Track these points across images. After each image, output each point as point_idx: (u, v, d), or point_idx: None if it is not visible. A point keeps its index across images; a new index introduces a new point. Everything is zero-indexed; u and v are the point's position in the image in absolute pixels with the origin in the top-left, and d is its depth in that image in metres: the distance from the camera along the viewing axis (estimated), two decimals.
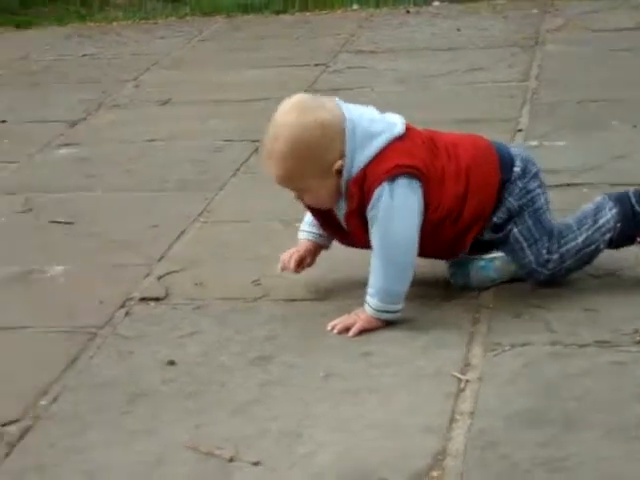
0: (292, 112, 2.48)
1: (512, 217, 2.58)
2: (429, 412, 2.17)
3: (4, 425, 2.22)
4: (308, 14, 6.02)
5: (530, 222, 2.59)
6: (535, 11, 5.65)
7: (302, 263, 2.71)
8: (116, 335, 2.61)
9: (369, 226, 2.50)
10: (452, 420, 2.14)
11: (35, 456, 2.12)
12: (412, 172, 2.47)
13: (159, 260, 3.01)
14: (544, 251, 2.59)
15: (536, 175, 2.62)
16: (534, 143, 3.70)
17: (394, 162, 2.46)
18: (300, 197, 2.58)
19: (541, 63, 4.70)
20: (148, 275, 2.92)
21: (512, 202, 2.57)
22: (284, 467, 2.03)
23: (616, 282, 2.67)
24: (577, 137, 3.73)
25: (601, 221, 2.62)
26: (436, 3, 6.01)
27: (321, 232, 2.70)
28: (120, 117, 4.40)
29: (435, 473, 1.98)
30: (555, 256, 2.59)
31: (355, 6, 6.08)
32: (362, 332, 2.48)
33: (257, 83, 4.72)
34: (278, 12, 6.07)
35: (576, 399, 2.17)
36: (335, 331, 2.49)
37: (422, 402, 2.21)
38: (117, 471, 2.06)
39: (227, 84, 4.75)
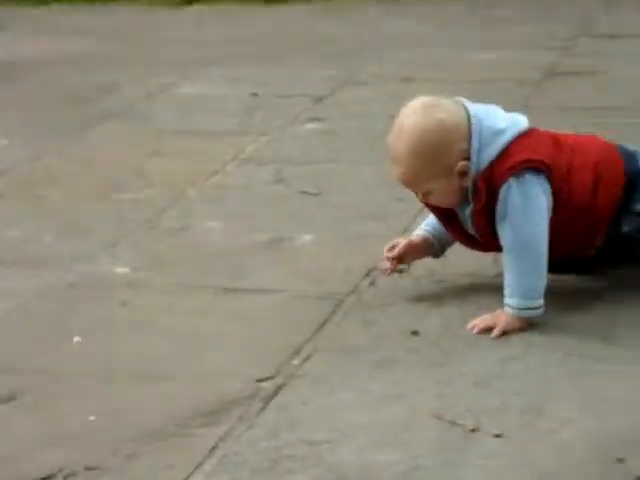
0: (414, 114, 2.51)
1: None
2: None
3: (260, 381, 2.39)
4: None
5: None
6: None
7: (401, 261, 2.72)
8: (361, 303, 2.74)
9: (497, 223, 2.51)
10: None
11: (288, 412, 2.27)
12: (538, 166, 2.49)
13: (404, 232, 3.12)
14: None
15: None
16: None
17: (520, 157, 2.48)
18: (425, 198, 2.60)
19: None
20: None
21: None
22: (527, 440, 2.11)
23: None
24: None
25: None
26: None
27: (438, 235, 2.71)
28: (364, 94, 4.53)
29: None
30: None
31: None
32: (504, 334, 2.49)
33: (496, 65, 4.76)
34: None
35: None
36: (475, 331, 2.51)
37: None
38: (366, 431, 2.18)
39: (467, 63, 4.81)
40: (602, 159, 2.58)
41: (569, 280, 2.74)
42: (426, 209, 2.75)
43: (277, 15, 6.12)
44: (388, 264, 2.74)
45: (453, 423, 2.19)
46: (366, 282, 2.85)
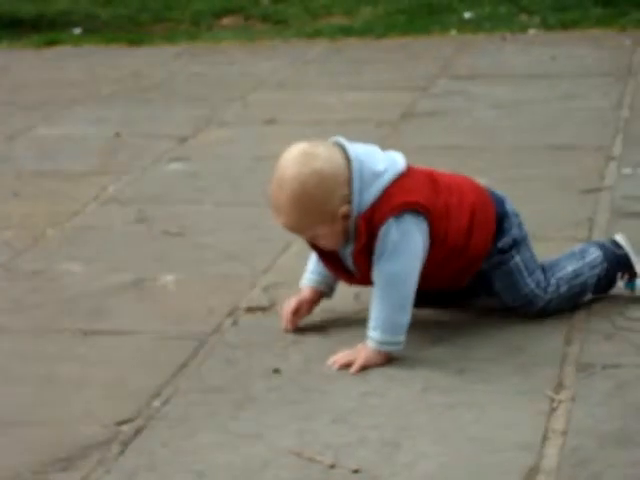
0: (293, 165, 2.54)
1: (515, 245, 2.68)
2: (523, 429, 2.26)
3: (119, 424, 2.36)
4: (408, 39, 6.13)
5: (528, 254, 2.72)
6: (628, 42, 5.68)
7: (298, 312, 2.76)
8: (224, 343, 2.74)
9: (374, 262, 2.57)
10: (545, 438, 2.23)
11: (147, 455, 2.26)
12: (417, 208, 2.55)
13: (265, 272, 3.14)
14: (542, 277, 2.72)
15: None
16: (627, 171, 3.76)
17: (400, 199, 2.54)
18: (312, 241, 2.65)
19: (634, 92, 4.74)
20: (254, 286, 3.05)
21: (516, 232, 2.69)
22: (384, 475, 2.14)
23: None
24: None
25: (588, 258, 2.78)
26: (532, 31, 6.08)
27: (320, 279, 2.76)
28: (227, 134, 4.55)
29: None
30: (552, 281, 2.72)
31: (453, 32, 6.17)
32: (364, 369, 2.53)
33: (357, 105, 4.84)
34: (379, 36, 6.19)
35: None
36: (335, 367, 2.55)
37: (516, 419, 2.31)
38: (225, 472, 2.18)
39: (328, 105, 4.88)
40: (476, 200, 2.66)
41: (429, 313, 2.79)
42: (290, 250, 2.77)
43: (142, 56, 6.11)
44: (289, 325, 2.75)
45: (312, 460, 2.20)
46: (229, 322, 2.85)
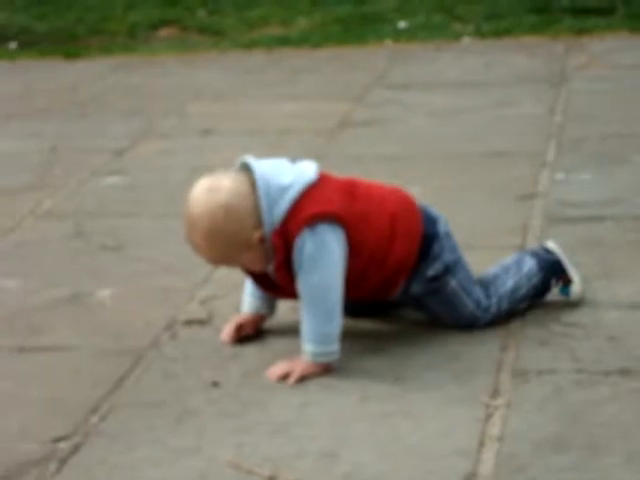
0: (199, 205, 2.54)
1: (448, 270, 2.68)
2: (460, 436, 2.28)
3: (55, 441, 2.35)
4: (344, 48, 6.16)
5: (462, 274, 2.71)
6: (561, 49, 5.76)
7: (240, 332, 2.77)
8: (162, 356, 2.73)
9: (295, 275, 2.57)
10: (482, 444, 2.25)
11: (85, 472, 2.25)
12: (330, 217, 2.55)
13: (203, 284, 3.13)
14: (482, 297, 2.73)
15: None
16: (560, 176, 3.81)
17: (310, 211, 2.54)
18: (243, 267, 2.67)
19: (567, 99, 4.81)
20: (192, 299, 3.04)
21: (448, 257, 2.68)
22: None
23: (638, 313, 2.78)
24: (602, 171, 3.83)
25: (525, 268, 2.80)
26: (466, 40, 6.14)
27: (259, 302, 2.78)
28: (164, 146, 4.54)
29: None
30: (494, 300, 2.74)
31: (388, 41, 6.21)
32: (302, 379, 2.54)
33: (294, 115, 4.85)
34: (315, 46, 6.21)
35: (600, 425, 2.28)
36: (273, 379, 2.56)
37: (453, 426, 2.33)
38: None
39: (266, 115, 4.88)
40: (399, 211, 2.65)
41: (364, 323, 2.80)
42: None
43: (78, 69, 6.07)
44: (228, 339, 2.75)
45: (250, 472, 2.20)
46: (167, 335, 2.85)
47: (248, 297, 2.80)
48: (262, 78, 5.63)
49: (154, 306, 3.02)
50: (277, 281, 2.63)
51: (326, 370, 2.57)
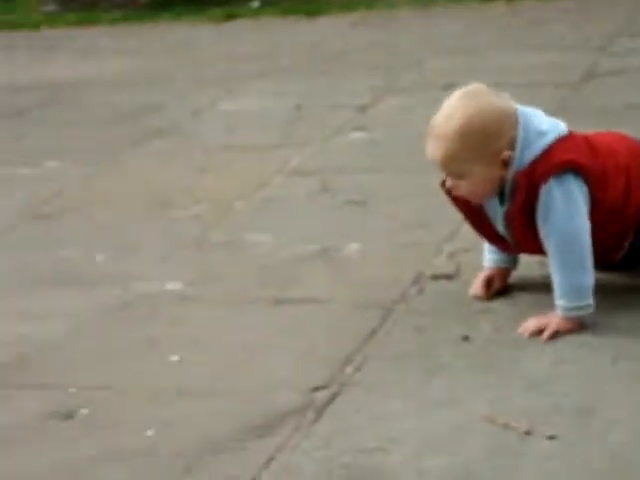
0: (469, 96, 2.54)
1: None
2: None
3: (313, 391, 2.42)
4: None
5: None
6: None
7: (490, 287, 2.73)
8: (411, 310, 2.76)
9: (539, 225, 2.52)
10: None
11: (342, 421, 2.30)
12: (578, 168, 2.50)
13: (449, 239, 3.14)
14: None
15: None
16: None
17: (561, 158, 2.50)
18: (455, 186, 2.59)
19: None
20: (439, 253, 3.05)
21: None
22: (580, 442, 2.12)
23: None
24: None
25: None
26: None
27: (501, 256, 2.73)
28: (405, 102, 4.56)
29: None
30: None
31: None
32: (555, 335, 2.49)
33: (535, 67, 4.77)
34: None
35: None
36: (526, 334, 2.52)
37: None
38: (419, 438, 2.20)
39: (506, 68, 4.82)
40: (631, 161, 2.60)
41: (615, 278, 2.74)
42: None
43: (319, 27, 6.16)
44: (479, 293, 2.74)
45: (506, 426, 2.20)
46: (414, 289, 2.87)
47: (488, 253, 2.78)
48: (502, 30, 5.55)
49: (401, 260, 3.05)
50: (508, 226, 2.59)
51: (580, 326, 2.53)
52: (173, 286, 3.03)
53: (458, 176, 2.58)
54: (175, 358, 2.61)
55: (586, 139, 2.62)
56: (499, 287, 2.77)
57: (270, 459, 2.17)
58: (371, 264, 3.06)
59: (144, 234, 3.45)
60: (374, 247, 3.16)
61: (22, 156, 4.28)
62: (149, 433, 2.29)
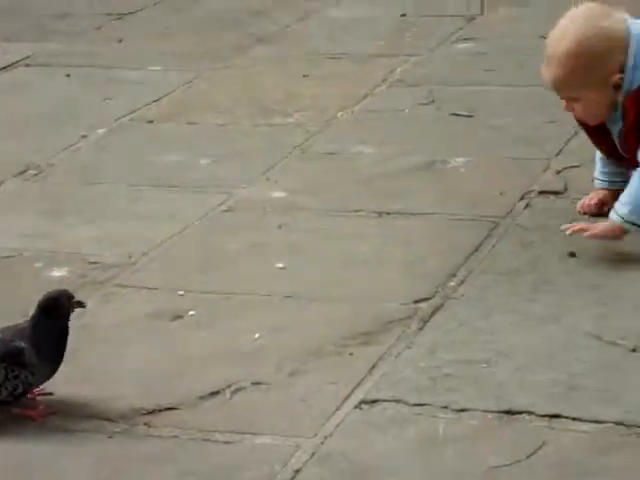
0: (581, 18, 2.51)
1: None
2: None
3: (417, 302, 2.43)
4: None
5: None
6: None
7: (602, 208, 2.69)
8: (517, 226, 2.74)
9: None
10: None
11: (446, 333, 2.31)
12: None
13: (557, 154, 3.10)
14: None
15: None
16: None
17: None
18: (570, 107, 2.57)
19: None
20: (547, 169, 3.02)
21: None
22: None
23: None
24: None
25: None
26: None
27: (613, 178, 2.69)
28: (515, 13, 4.47)
29: None
30: None
31: None
32: (598, 238, 2.48)
33: None
34: None
35: None
36: (568, 232, 2.51)
37: None
38: (525, 353, 2.21)
39: None
40: None
41: None
42: (581, 133, 2.71)
43: None
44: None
45: (613, 343, 2.19)
46: (521, 205, 2.85)
47: (601, 175, 2.75)
48: None
49: (508, 175, 3.02)
50: (623, 144, 2.57)
51: (623, 236, 2.50)
52: (278, 194, 3.05)
53: (571, 99, 2.57)
54: (281, 265, 2.64)
55: None
56: (609, 209, 2.73)
57: (373, 366, 2.20)
58: (477, 178, 3.03)
59: (248, 141, 3.47)
60: (481, 161, 3.14)
61: (125, 60, 4.30)
62: (257, 335, 2.32)
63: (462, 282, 2.50)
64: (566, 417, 2.00)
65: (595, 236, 2.51)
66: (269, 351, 2.27)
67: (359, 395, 2.11)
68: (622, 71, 2.50)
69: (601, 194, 2.74)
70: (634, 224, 2.50)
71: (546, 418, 2.00)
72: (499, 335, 2.28)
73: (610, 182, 2.73)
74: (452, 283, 2.50)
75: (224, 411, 2.09)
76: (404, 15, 4.59)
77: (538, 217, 2.77)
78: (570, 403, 2.03)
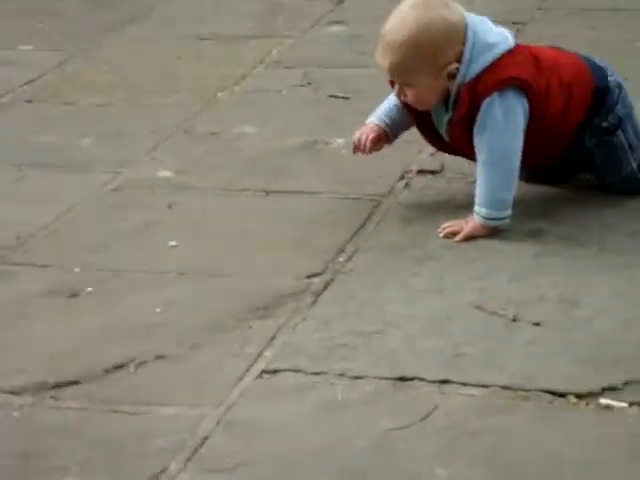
0: (419, 6, 2.59)
1: (620, 124, 2.70)
2: None
3: (309, 277, 2.53)
4: None
5: (631, 131, 2.73)
6: None
7: (378, 144, 2.79)
8: (398, 204, 2.87)
9: (474, 135, 2.61)
10: None
11: (338, 305, 2.42)
12: (521, 84, 2.58)
13: None
14: None
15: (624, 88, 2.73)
16: None
17: (506, 74, 2.57)
18: (402, 92, 2.66)
19: None
20: (421, 151, 3.15)
21: (620, 109, 2.70)
22: (565, 328, 2.27)
23: None
24: None
25: None
26: None
27: (391, 122, 2.78)
28: None
29: None
30: None
31: None
32: (468, 239, 2.61)
33: None
34: None
35: None
36: (441, 235, 2.64)
37: None
38: (412, 323, 2.34)
39: None
40: (574, 79, 2.68)
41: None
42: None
43: None
44: (366, 150, 2.79)
45: (494, 313, 2.34)
46: (401, 184, 2.98)
47: (383, 115, 2.79)
48: None
49: (386, 156, 3.12)
50: (450, 133, 2.67)
51: (494, 232, 2.63)
52: (165, 174, 3.11)
53: (405, 85, 2.65)
54: (173, 243, 2.71)
55: (533, 54, 2.68)
56: (380, 148, 2.80)
57: (272, 338, 2.30)
58: (358, 159, 3.12)
59: (128, 121, 3.51)
60: None
61: None
62: (158, 310, 2.40)
63: (350, 258, 2.62)
64: (455, 382, 2.13)
65: (466, 238, 2.63)
66: (170, 326, 2.35)
67: (260, 365, 2.21)
68: (459, 61, 2.59)
69: (375, 130, 2.79)
70: (496, 219, 2.63)
71: (436, 384, 2.13)
72: (387, 307, 2.40)
73: (387, 124, 2.79)
74: (341, 259, 2.62)
75: (129, 384, 2.16)
76: None
77: (417, 196, 2.91)
78: (458, 369, 2.17)
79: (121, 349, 2.26)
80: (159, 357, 2.24)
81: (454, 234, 2.66)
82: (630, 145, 2.75)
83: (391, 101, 2.81)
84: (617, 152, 2.75)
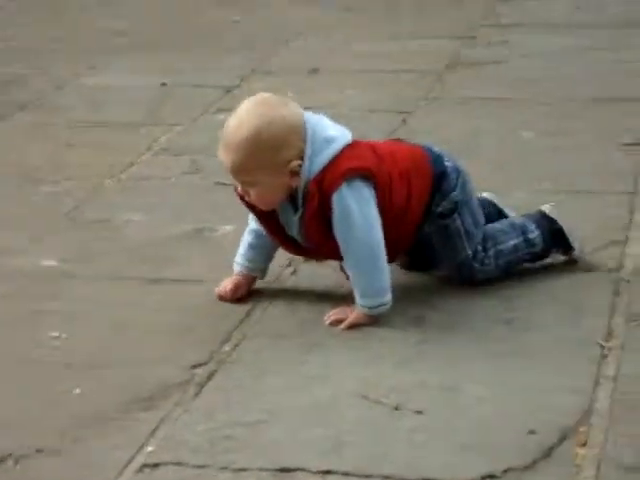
0: (259, 106, 2.64)
1: (456, 208, 2.75)
2: (574, 375, 2.41)
3: (193, 367, 2.52)
4: None
5: (469, 219, 2.78)
6: None
7: (237, 292, 2.82)
8: (285, 291, 2.88)
9: (334, 230, 2.64)
10: (597, 383, 2.37)
11: (223, 396, 2.41)
12: (366, 174, 2.64)
13: None
14: (480, 247, 2.80)
15: (466, 175, 2.80)
16: None
17: (351, 164, 2.62)
18: (245, 192, 2.68)
19: None
20: None
21: (457, 195, 2.76)
22: (446, 417, 2.29)
23: None
24: None
25: (530, 235, 2.84)
26: None
27: (255, 265, 2.82)
28: (272, 84, 4.65)
29: (582, 428, 2.22)
30: (490, 252, 2.80)
31: None
32: (352, 327, 2.64)
33: (400, 54, 4.93)
34: None
35: None
36: (327, 322, 2.67)
37: (567, 366, 2.45)
38: (296, 412, 2.34)
39: (371, 53, 4.97)
40: (412, 170, 2.74)
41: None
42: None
43: (180, 3, 6.19)
44: (227, 297, 2.82)
45: (377, 402, 2.35)
46: (288, 271, 2.99)
47: (240, 259, 2.83)
48: (369, 15, 5.67)
49: None
50: (303, 232, 2.68)
51: (378, 318, 2.67)
52: (49, 263, 3.08)
53: (247, 184, 2.67)
54: (55, 334, 2.68)
55: (371, 146, 2.74)
56: (244, 293, 2.83)
57: (155, 430, 2.28)
58: None
59: (15, 209, 3.48)
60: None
61: None
62: (77, 391, 2.39)
63: (236, 346, 2.62)
64: (337, 472, 2.13)
65: (351, 326, 2.65)
66: (51, 419, 2.31)
67: (141, 459, 2.18)
68: (301, 158, 2.62)
69: (235, 280, 2.83)
70: (380, 305, 2.66)
71: (319, 474, 2.13)
72: (272, 396, 2.40)
73: (246, 267, 2.83)
74: (227, 348, 2.61)
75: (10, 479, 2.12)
76: (164, 84, 4.70)
77: (304, 283, 2.93)
78: (340, 459, 2.17)
79: (0, 444, 2.21)
80: (40, 451, 2.20)
81: (340, 322, 2.68)
82: (467, 231, 2.78)
83: (245, 240, 2.84)
84: (453, 237, 2.78)
